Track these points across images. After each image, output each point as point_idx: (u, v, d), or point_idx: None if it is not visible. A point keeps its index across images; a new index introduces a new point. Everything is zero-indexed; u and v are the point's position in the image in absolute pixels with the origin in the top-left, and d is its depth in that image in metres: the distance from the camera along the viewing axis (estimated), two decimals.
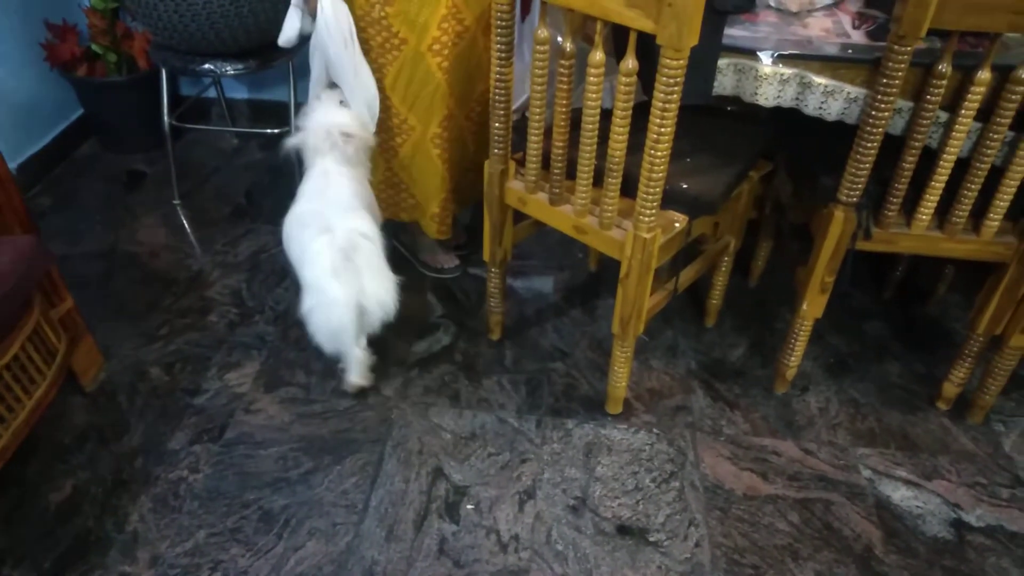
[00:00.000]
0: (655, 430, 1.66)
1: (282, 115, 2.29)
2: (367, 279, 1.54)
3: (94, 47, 2.42)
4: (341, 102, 1.68)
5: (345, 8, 1.60)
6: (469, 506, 1.50)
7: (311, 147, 1.66)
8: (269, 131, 2.39)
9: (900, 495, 1.54)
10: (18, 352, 1.43)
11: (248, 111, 2.81)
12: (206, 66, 2.12)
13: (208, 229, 2.27)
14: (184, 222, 2.31)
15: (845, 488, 1.55)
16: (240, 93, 2.79)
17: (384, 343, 1.85)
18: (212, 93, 2.73)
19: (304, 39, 1.71)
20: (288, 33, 1.69)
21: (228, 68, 2.13)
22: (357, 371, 1.67)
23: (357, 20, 1.65)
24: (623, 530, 1.46)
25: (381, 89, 1.74)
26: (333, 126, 1.64)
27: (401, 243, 2.13)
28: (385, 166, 1.89)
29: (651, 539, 1.45)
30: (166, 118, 2.26)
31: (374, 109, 1.72)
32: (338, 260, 1.50)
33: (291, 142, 1.69)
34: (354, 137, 1.66)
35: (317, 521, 1.46)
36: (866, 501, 1.53)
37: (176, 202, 2.38)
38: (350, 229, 1.53)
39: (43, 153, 2.48)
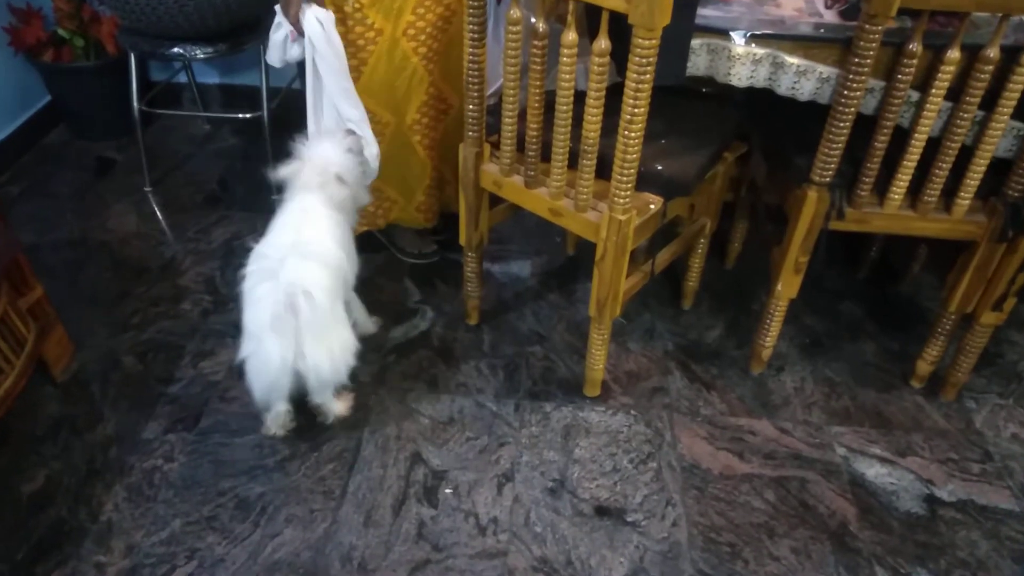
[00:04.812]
0: (633, 412, 1.67)
1: (254, 99, 2.26)
2: (307, 342, 1.39)
3: (60, 31, 2.37)
4: (349, 149, 1.59)
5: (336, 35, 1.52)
6: (447, 490, 1.50)
7: (301, 181, 1.54)
8: (241, 116, 2.36)
9: (874, 472, 1.56)
10: None
11: (220, 96, 2.77)
12: (175, 50, 2.09)
13: (180, 216, 2.24)
14: (156, 209, 2.28)
15: (820, 466, 1.57)
16: (211, 78, 2.74)
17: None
18: (183, 78, 2.69)
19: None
20: (273, 52, 1.60)
21: (198, 52, 2.09)
22: (275, 423, 1.56)
23: None
24: (601, 511, 1.47)
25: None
26: (331, 164, 1.54)
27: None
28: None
29: (629, 519, 1.46)
30: (136, 104, 2.23)
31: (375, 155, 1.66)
32: (279, 313, 1.35)
33: (284, 171, 1.56)
34: (347, 185, 1.57)
35: (294, 508, 1.46)
36: (841, 478, 1.55)
37: (147, 189, 2.35)
38: (294, 282, 1.36)
39: (10, 140, 2.43)
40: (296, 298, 1.35)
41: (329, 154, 1.56)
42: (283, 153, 1.58)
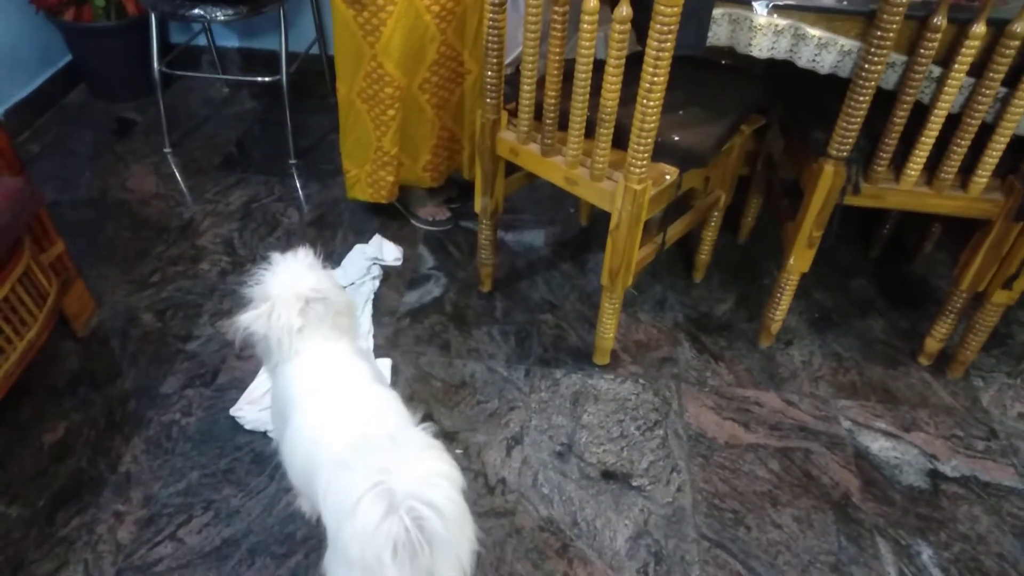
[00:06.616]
0: (641, 380, 1.69)
1: (273, 64, 2.26)
2: (442, 564, 0.94)
3: None
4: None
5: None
6: (458, 451, 1.53)
7: (280, 325, 1.15)
8: (260, 80, 2.36)
9: (879, 446, 1.58)
10: (8, 294, 1.44)
11: (239, 59, 2.78)
12: (196, 11, 2.09)
13: (199, 178, 2.26)
14: (175, 170, 2.30)
15: (825, 438, 1.59)
16: (231, 41, 2.75)
17: (375, 293, 1.87)
18: (202, 41, 2.69)
19: None
20: None
21: (218, 13, 2.09)
22: None
23: None
24: (607, 475, 1.50)
25: (374, 56, 1.70)
26: (310, 288, 1.17)
27: None
28: (376, 146, 1.87)
29: (634, 484, 1.48)
30: (156, 65, 2.24)
31: None
32: (402, 539, 0.89)
33: (244, 320, 1.16)
34: (330, 301, 1.19)
35: None
36: (845, 451, 1.57)
37: (167, 150, 2.37)
38: (415, 495, 0.89)
39: (31, 99, 2.45)
40: (426, 521, 0.90)
41: (296, 279, 1.19)
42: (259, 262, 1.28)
